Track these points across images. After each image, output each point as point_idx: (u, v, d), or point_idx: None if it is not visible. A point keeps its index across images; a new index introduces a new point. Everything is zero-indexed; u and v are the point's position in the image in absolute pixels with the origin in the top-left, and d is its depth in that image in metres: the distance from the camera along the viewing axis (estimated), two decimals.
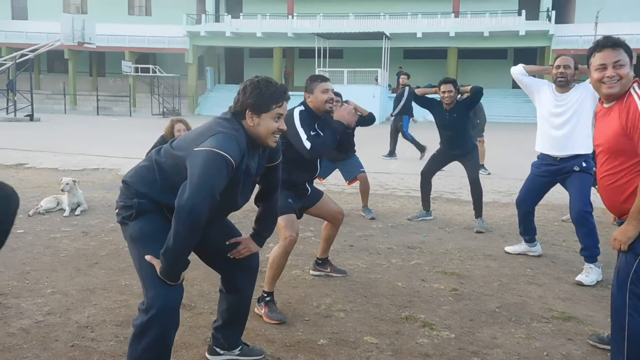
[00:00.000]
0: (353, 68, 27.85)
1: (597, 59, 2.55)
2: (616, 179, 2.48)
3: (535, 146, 4.58)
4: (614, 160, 2.49)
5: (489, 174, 9.13)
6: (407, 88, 11.02)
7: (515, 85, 31.07)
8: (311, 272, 4.16)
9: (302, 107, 3.54)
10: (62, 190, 6.01)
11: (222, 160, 2.16)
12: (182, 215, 2.11)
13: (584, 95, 4.25)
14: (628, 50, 2.54)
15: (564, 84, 4.30)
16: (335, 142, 3.51)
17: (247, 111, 2.34)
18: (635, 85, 2.48)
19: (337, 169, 6.24)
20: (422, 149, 11.09)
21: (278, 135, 2.41)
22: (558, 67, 4.29)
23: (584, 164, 4.26)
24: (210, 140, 2.21)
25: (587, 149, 4.28)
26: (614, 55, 2.50)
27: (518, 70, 4.61)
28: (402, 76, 11.99)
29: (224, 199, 2.32)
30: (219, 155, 2.16)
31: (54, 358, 2.78)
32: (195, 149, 2.20)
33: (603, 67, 2.51)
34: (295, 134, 3.45)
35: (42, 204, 6.06)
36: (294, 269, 4.21)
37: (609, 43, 2.53)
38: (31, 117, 22.25)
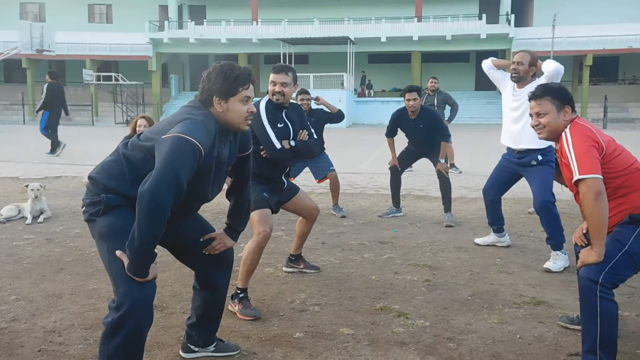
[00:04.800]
0: (319, 73, 27.94)
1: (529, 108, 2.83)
2: None
3: (500, 139, 4.67)
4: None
5: (460, 172, 9.25)
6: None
7: (478, 88, 31.84)
8: (284, 269, 4.13)
9: (267, 98, 3.52)
10: (35, 197, 5.82)
11: (188, 145, 2.10)
12: (143, 202, 2.03)
13: None
14: (558, 96, 2.69)
15: (516, 80, 4.42)
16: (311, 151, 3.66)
17: (214, 97, 2.28)
18: (569, 126, 2.64)
19: (307, 168, 6.24)
20: (58, 144, 11.93)
21: (250, 119, 2.37)
22: (514, 62, 4.41)
23: (539, 157, 4.34)
24: (177, 127, 2.15)
25: (543, 144, 4.30)
26: (536, 107, 2.75)
27: (487, 64, 4.77)
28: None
29: (195, 189, 2.26)
30: (185, 141, 2.10)
31: None
32: (162, 137, 2.14)
33: (532, 115, 2.78)
34: (263, 132, 3.41)
35: (3, 212, 5.85)
36: (266, 267, 4.17)
37: (535, 94, 2.76)
38: None
